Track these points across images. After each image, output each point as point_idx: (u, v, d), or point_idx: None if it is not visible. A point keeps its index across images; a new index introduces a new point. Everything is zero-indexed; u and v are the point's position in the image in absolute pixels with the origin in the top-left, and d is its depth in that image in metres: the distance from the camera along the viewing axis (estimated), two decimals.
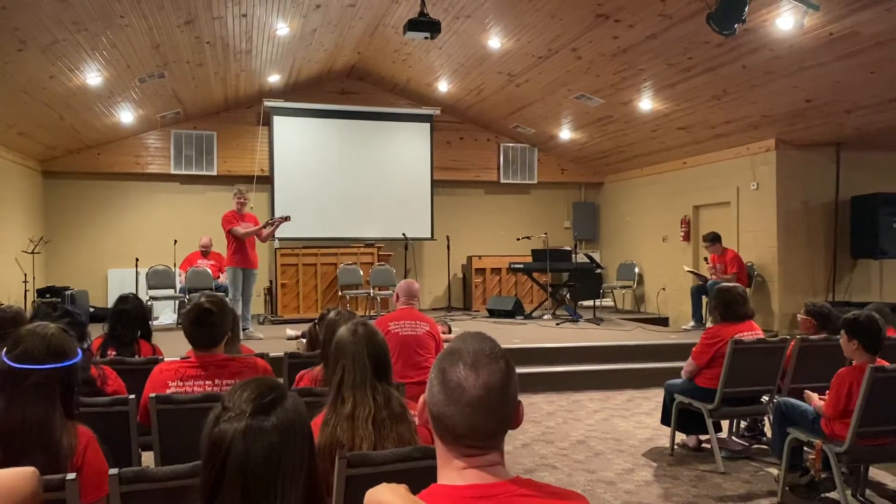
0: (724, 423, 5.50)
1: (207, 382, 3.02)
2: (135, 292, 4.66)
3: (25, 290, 9.75)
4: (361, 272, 10.86)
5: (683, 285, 10.84)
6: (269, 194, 11.72)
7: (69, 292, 10.14)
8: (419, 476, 1.62)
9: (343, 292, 10.66)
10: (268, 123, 11.82)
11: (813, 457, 4.03)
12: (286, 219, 8.92)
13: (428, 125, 12.49)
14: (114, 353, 3.90)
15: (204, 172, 11.65)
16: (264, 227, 8.68)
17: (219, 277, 9.88)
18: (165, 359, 3.59)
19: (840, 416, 3.85)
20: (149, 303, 9.22)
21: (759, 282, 9.69)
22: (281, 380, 3.34)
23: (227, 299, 4.26)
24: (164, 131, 11.49)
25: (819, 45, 6.76)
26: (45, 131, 9.67)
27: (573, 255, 10.87)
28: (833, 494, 4.13)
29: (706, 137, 10.09)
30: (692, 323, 9.68)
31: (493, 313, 11.11)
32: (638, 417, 6.31)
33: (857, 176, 9.53)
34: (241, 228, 8.47)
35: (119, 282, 10.82)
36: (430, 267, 12.70)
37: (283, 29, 8.58)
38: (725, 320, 5.02)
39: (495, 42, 8.85)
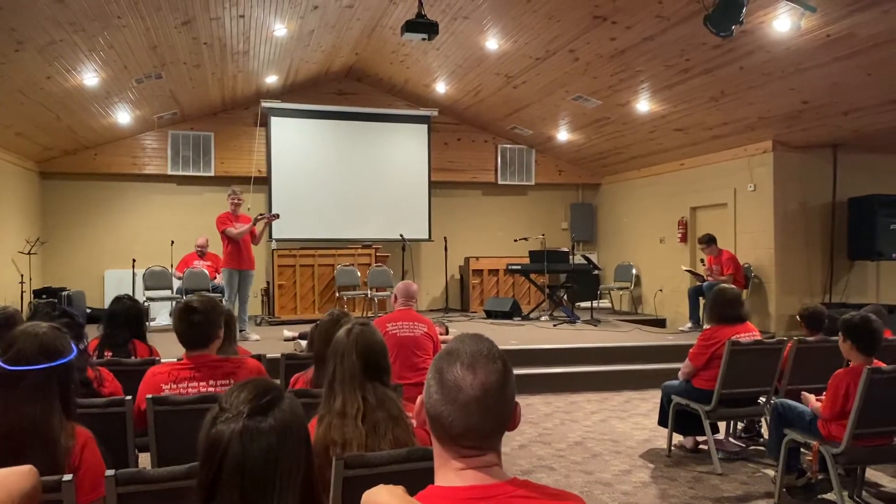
0: (722, 425, 5.51)
1: (201, 384, 3.02)
2: (131, 293, 4.66)
3: (22, 291, 9.74)
4: (359, 273, 10.85)
5: (681, 287, 10.85)
6: (266, 195, 11.71)
7: (66, 293, 10.12)
8: (416, 477, 1.61)
9: (340, 293, 10.65)
10: (265, 124, 11.81)
11: (810, 458, 4.04)
12: (276, 216, 8.96)
13: (425, 126, 12.49)
14: (110, 354, 3.90)
15: (201, 173, 11.64)
16: (255, 223, 8.64)
17: (215, 278, 9.86)
18: (162, 360, 3.59)
19: (837, 418, 3.86)
20: (145, 304, 9.20)
21: (755, 283, 9.70)
22: (277, 381, 3.35)
23: (222, 301, 4.26)
24: (162, 132, 11.48)
25: (816, 46, 6.77)
26: (41, 132, 9.66)
27: (570, 257, 10.88)
28: (830, 496, 4.13)
29: (703, 139, 10.10)
30: (689, 324, 9.68)
31: (490, 314, 11.11)
32: (635, 419, 6.31)
33: (855, 177, 9.54)
34: (234, 229, 8.46)
35: (116, 283, 10.80)
36: (427, 268, 12.69)
37: (280, 30, 8.58)
38: (721, 322, 5.03)
39: (493, 43, 8.85)
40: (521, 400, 1.39)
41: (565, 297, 11.05)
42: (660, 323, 11.06)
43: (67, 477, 1.87)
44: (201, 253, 10.31)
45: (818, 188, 9.57)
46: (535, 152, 13.17)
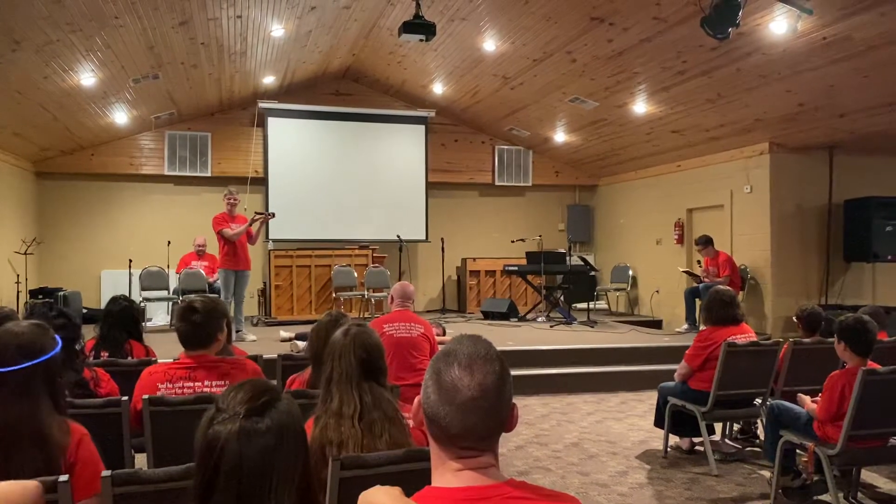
0: (718, 426, 5.51)
1: (197, 384, 3.01)
2: (127, 294, 4.65)
3: (18, 291, 9.72)
4: (356, 274, 10.84)
5: (677, 288, 10.87)
6: (263, 196, 11.70)
7: (62, 293, 10.11)
8: (413, 478, 1.61)
9: (337, 294, 10.64)
10: (262, 125, 11.81)
11: (805, 459, 4.04)
12: (271, 215, 8.98)
13: (423, 127, 12.50)
14: (107, 354, 3.89)
15: (198, 174, 11.63)
16: (251, 224, 8.63)
17: (214, 279, 9.84)
18: (159, 360, 3.58)
19: (832, 419, 3.87)
20: (142, 304, 9.19)
21: (752, 285, 9.72)
22: (274, 382, 3.35)
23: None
24: (159, 132, 11.46)
25: (812, 49, 6.79)
26: (38, 132, 9.64)
27: (567, 258, 10.89)
28: (825, 497, 4.14)
29: (700, 140, 10.12)
30: (686, 325, 9.69)
31: (487, 315, 11.11)
32: (631, 420, 6.31)
33: (851, 179, 9.57)
34: (230, 230, 8.44)
35: (112, 283, 10.78)
36: (424, 269, 12.70)
37: (277, 30, 8.57)
38: (717, 323, 5.04)
39: (490, 45, 8.86)
40: (518, 401, 1.40)
41: (562, 298, 11.06)
42: (656, 324, 11.07)
43: (63, 478, 1.87)
44: (200, 253, 10.30)
45: (814, 190, 9.60)
46: (533, 153, 13.18)
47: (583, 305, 10.85)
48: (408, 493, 1.36)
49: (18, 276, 9.82)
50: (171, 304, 10.18)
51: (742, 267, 9.64)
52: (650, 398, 6.26)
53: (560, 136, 11.85)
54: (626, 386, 7.51)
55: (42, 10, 6.20)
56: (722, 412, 5.01)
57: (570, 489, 4.46)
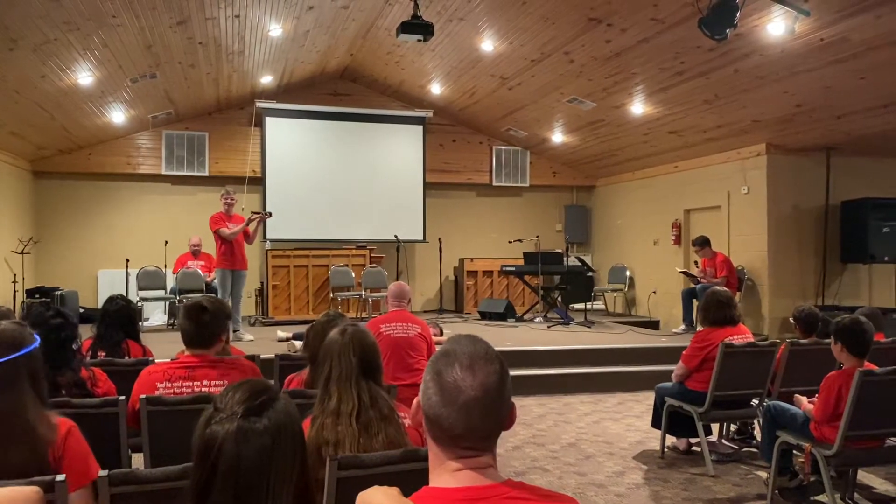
0: (715, 427, 5.52)
1: (196, 384, 3.02)
2: (124, 293, 4.66)
3: (14, 291, 9.70)
4: (353, 274, 10.84)
5: (674, 289, 10.88)
6: (260, 196, 11.69)
7: (59, 293, 10.09)
8: (411, 478, 1.62)
9: (334, 294, 10.64)
10: (260, 124, 11.80)
11: (802, 460, 4.04)
12: (269, 215, 8.98)
13: (420, 127, 12.50)
14: (104, 354, 3.89)
15: (195, 173, 11.61)
16: (248, 223, 8.63)
17: (210, 277, 9.83)
18: (156, 360, 3.58)
19: (829, 420, 3.87)
20: (139, 304, 9.17)
21: (749, 285, 9.74)
22: (272, 382, 3.35)
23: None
24: (156, 132, 11.45)
25: (810, 50, 6.81)
26: (35, 131, 9.63)
27: (565, 258, 10.89)
28: (822, 497, 4.15)
29: (697, 142, 10.13)
30: (683, 326, 9.71)
31: (484, 316, 11.11)
32: (628, 420, 6.32)
33: (848, 181, 9.58)
34: (227, 229, 8.44)
35: (109, 283, 10.76)
36: (422, 269, 12.70)
37: (275, 30, 8.57)
38: (714, 324, 5.04)
39: (488, 45, 8.86)
40: (515, 401, 1.40)
41: (559, 298, 11.07)
42: (653, 325, 11.08)
43: (60, 477, 1.86)
44: (196, 252, 10.29)
45: (811, 191, 9.61)
46: (530, 154, 13.19)
47: (580, 306, 10.85)
48: (406, 494, 1.36)
49: (15, 275, 9.80)
50: (167, 303, 10.18)
51: (739, 268, 9.65)
52: (647, 399, 6.27)
53: (558, 137, 11.86)
54: (623, 386, 7.52)
55: (39, 8, 6.18)
56: (719, 413, 5.02)
57: (567, 489, 4.46)
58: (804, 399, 4.19)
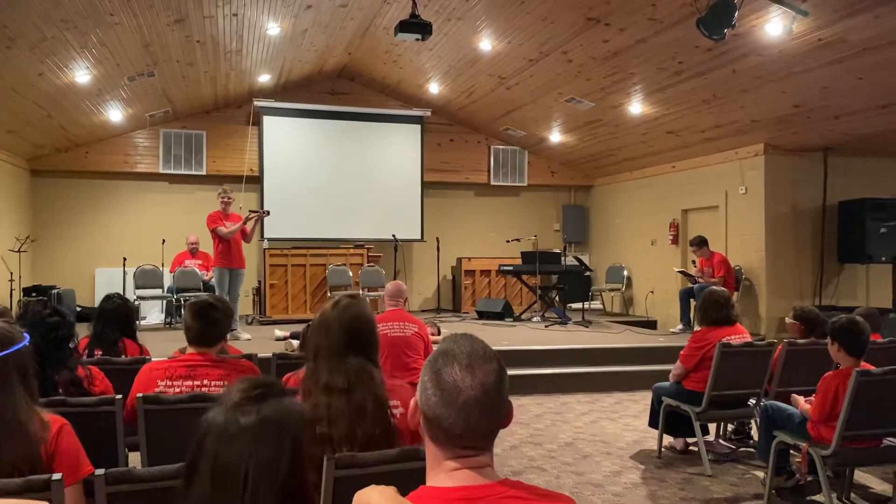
0: (712, 426, 5.52)
1: (195, 382, 3.01)
2: (121, 292, 4.65)
3: (11, 289, 9.69)
4: (350, 273, 10.84)
5: (672, 288, 10.89)
6: (258, 194, 11.68)
7: (56, 291, 10.08)
8: (408, 478, 1.61)
9: (332, 293, 10.63)
10: (258, 123, 11.79)
11: (799, 460, 4.05)
12: (266, 213, 8.97)
13: (418, 126, 12.49)
14: (100, 353, 3.88)
15: (193, 172, 11.60)
16: (245, 222, 8.61)
17: (207, 275, 9.81)
18: (153, 359, 3.57)
19: (826, 420, 3.88)
20: (136, 302, 9.16)
21: (746, 285, 9.74)
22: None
23: None
24: (154, 130, 11.44)
25: (807, 50, 6.81)
26: (33, 129, 9.61)
27: (562, 258, 10.90)
28: (819, 497, 4.16)
29: (695, 141, 10.14)
30: (680, 326, 9.71)
31: (482, 315, 11.11)
32: (626, 420, 6.32)
33: (845, 181, 9.59)
34: (224, 228, 8.42)
35: (106, 281, 10.75)
36: (419, 268, 12.70)
37: (273, 29, 8.56)
38: (712, 324, 5.05)
39: (486, 44, 8.86)
40: (512, 400, 1.40)
41: (557, 298, 11.07)
42: (651, 324, 11.08)
43: (57, 476, 1.86)
44: (193, 251, 10.27)
45: (809, 191, 9.62)
46: (528, 153, 13.19)
47: (578, 305, 10.86)
48: (403, 493, 1.36)
49: (12, 273, 9.78)
50: (164, 302, 10.16)
51: (736, 268, 9.66)
52: (644, 398, 6.27)
53: (556, 137, 11.86)
54: (620, 386, 7.52)
55: (37, 6, 6.17)
56: (716, 412, 5.03)
57: (564, 489, 4.46)
58: (801, 399, 4.20)
